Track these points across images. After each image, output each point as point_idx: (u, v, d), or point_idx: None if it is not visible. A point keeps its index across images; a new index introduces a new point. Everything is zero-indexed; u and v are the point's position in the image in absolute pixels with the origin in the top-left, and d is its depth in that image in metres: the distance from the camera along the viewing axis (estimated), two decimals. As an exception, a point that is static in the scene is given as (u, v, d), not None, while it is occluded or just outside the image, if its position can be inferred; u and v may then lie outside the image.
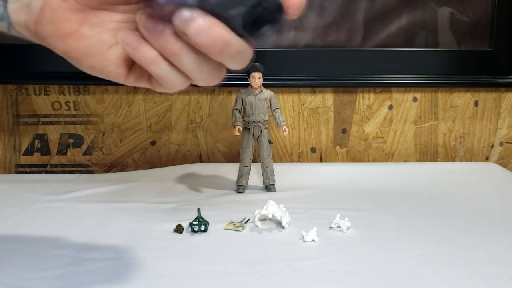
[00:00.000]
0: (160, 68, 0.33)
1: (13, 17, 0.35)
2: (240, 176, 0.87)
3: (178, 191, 0.87)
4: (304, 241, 0.62)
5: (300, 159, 1.05)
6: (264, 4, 0.30)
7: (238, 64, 0.33)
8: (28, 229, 0.67)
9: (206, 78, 0.34)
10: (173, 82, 0.34)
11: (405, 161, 1.06)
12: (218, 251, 0.60)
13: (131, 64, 0.35)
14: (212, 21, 0.30)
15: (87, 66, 0.35)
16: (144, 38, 0.32)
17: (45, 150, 1.03)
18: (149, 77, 0.36)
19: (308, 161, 1.05)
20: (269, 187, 0.87)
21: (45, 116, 1.02)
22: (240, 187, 0.87)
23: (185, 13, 0.29)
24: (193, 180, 0.93)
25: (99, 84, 1.00)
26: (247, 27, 0.31)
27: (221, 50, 0.31)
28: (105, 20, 0.35)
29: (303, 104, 1.03)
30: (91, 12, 0.34)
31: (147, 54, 0.32)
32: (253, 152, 0.86)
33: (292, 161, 1.05)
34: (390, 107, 1.04)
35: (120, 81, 0.36)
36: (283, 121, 0.85)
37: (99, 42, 0.34)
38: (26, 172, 1.03)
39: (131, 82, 0.36)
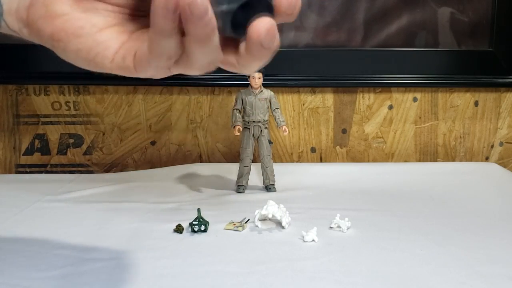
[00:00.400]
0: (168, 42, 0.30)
1: (5, 6, 0.35)
2: (240, 176, 0.87)
3: (178, 191, 0.87)
4: (304, 241, 0.62)
5: (300, 159, 1.05)
6: (255, 2, 0.29)
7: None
8: (28, 229, 0.67)
9: (206, 61, 0.31)
10: (168, 56, 0.31)
11: (405, 161, 1.06)
12: (218, 251, 0.60)
13: (119, 46, 0.34)
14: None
15: (73, 49, 0.34)
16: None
17: (45, 150, 1.03)
18: (135, 55, 0.33)
19: (308, 161, 1.05)
20: (269, 187, 0.87)
21: (45, 116, 1.02)
22: (240, 187, 0.87)
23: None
24: (193, 180, 0.93)
25: (99, 84, 1.00)
26: (235, 26, 0.30)
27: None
28: (99, 8, 0.35)
29: (303, 104, 1.03)
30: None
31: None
32: (253, 152, 0.86)
33: (292, 161, 1.05)
34: (390, 107, 1.04)
35: (105, 64, 0.34)
36: (283, 121, 0.85)
37: (89, 24, 0.34)
38: (26, 172, 1.03)
39: (116, 62, 0.34)
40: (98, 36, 0.34)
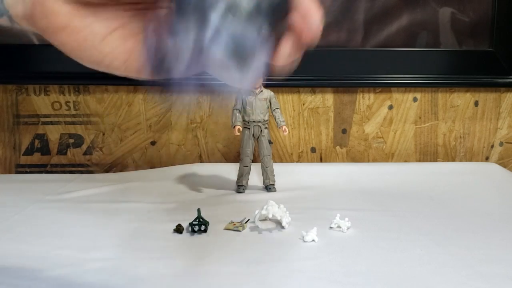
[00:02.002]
0: None
1: (11, 11, 0.34)
2: (240, 176, 0.87)
3: (178, 191, 0.87)
4: (304, 241, 0.62)
5: (300, 159, 1.05)
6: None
7: None
8: (28, 229, 0.67)
9: None
10: None
11: (405, 161, 1.06)
12: (218, 251, 0.60)
13: (126, 56, 0.34)
14: None
15: (86, 60, 0.33)
16: None
17: (45, 150, 1.03)
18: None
19: (308, 161, 1.05)
20: (269, 187, 0.87)
21: (45, 116, 1.02)
22: (240, 187, 0.87)
23: None
24: (193, 180, 0.93)
25: (99, 84, 1.00)
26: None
27: None
28: (98, 10, 0.33)
29: (303, 104, 1.03)
30: (81, 5, 0.33)
31: None
32: (253, 152, 0.86)
33: (292, 161, 1.05)
34: (390, 107, 1.04)
35: (120, 72, 0.34)
36: (283, 121, 0.85)
37: (90, 34, 0.33)
38: (26, 172, 1.03)
39: (130, 70, 0.34)
40: (103, 47, 0.33)
